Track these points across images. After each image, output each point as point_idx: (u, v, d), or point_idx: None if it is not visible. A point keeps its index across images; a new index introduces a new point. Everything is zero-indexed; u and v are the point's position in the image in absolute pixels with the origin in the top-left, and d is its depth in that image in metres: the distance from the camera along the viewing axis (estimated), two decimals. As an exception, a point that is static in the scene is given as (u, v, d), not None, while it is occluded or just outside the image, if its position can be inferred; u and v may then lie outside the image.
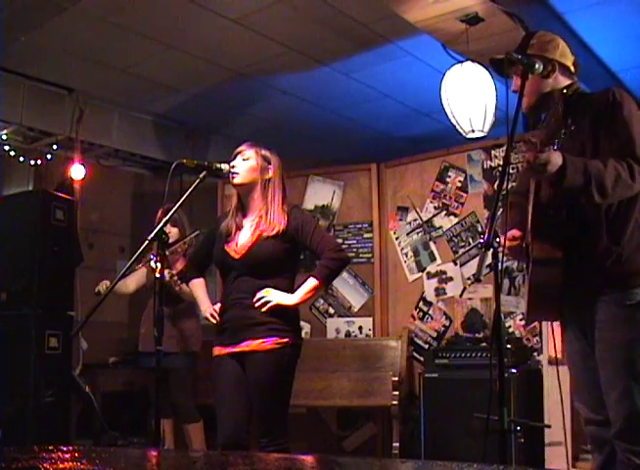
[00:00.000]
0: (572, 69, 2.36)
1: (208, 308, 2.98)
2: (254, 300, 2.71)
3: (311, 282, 2.76)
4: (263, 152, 2.87)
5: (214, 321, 2.93)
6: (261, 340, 2.69)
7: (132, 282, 4.33)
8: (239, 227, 2.85)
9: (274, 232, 2.76)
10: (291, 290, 2.79)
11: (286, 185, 2.91)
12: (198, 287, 3.12)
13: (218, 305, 2.93)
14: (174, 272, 4.02)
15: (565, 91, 2.31)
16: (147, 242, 2.57)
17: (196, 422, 4.24)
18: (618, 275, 2.15)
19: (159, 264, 3.85)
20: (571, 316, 2.31)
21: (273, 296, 2.71)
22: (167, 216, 2.67)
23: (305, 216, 2.90)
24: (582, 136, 2.21)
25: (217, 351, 2.82)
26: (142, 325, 4.34)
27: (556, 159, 2.04)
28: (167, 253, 3.98)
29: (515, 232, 2.35)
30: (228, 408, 2.75)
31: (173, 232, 4.20)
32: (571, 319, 2.31)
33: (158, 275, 2.61)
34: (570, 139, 2.19)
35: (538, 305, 2.31)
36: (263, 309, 2.70)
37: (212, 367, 2.85)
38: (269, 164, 2.87)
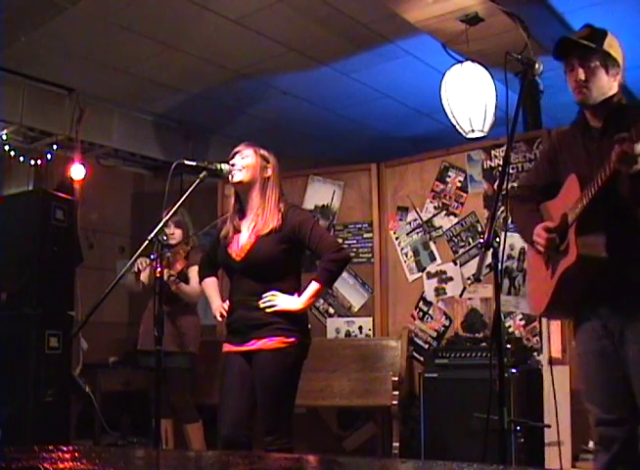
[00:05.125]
0: None
1: (218, 307, 3.00)
2: (261, 301, 2.73)
3: (313, 286, 2.77)
4: (262, 151, 2.88)
5: (221, 319, 2.95)
6: (267, 339, 2.71)
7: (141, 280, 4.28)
8: (237, 229, 2.86)
9: (269, 229, 2.76)
10: (297, 290, 2.80)
11: (282, 184, 2.92)
12: (210, 286, 3.13)
13: (227, 302, 2.94)
14: (172, 272, 4.03)
15: (614, 100, 2.31)
16: (146, 242, 2.58)
17: (195, 422, 4.24)
18: None
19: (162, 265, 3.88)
20: (597, 313, 2.29)
21: (279, 300, 2.73)
22: (167, 216, 2.67)
23: (302, 216, 2.89)
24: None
25: (226, 348, 2.86)
26: (141, 324, 4.34)
27: None
28: (169, 253, 4.01)
29: (549, 224, 2.35)
30: (230, 404, 2.77)
31: (177, 233, 4.22)
32: (596, 316, 2.29)
33: (157, 275, 2.61)
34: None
35: (561, 301, 2.33)
36: (268, 310, 2.71)
37: (222, 363, 2.88)
38: (268, 162, 2.87)
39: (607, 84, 2.29)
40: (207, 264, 3.16)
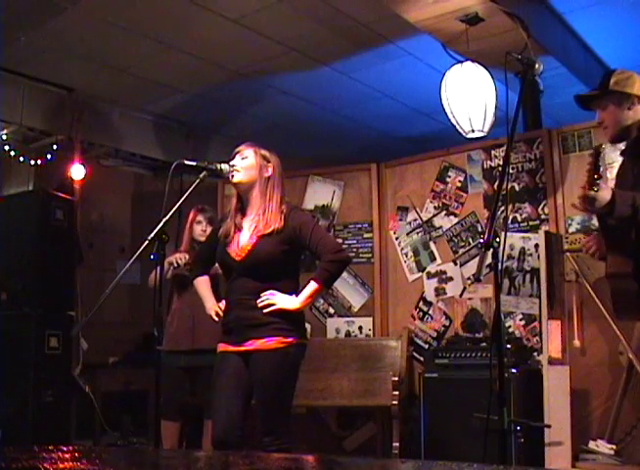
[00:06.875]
0: None
1: (213, 306, 2.98)
2: (259, 301, 2.72)
3: (312, 286, 2.77)
4: (262, 151, 2.88)
5: (217, 319, 2.94)
6: (265, 339, 2.70)
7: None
8: (238, 228, 2.86)
9: (270, 230, 2.76)
10: (295, 291, 2.80)
11: (285, 185, 2.91)
12: (202, 284, 3.10)
13: (223, 302, 2.93)
14: None
15: (632, 127, 2.53)
16: (146, 242, 2.58)
17: None
18: None
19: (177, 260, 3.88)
20: None
21: (277, 299, 2.72)
22: (167, 216, 2.67)
23: (304, 217, 2.90)
24: None
25: (222, 347, 2.83)
26: (169, 324, 4.09)
27: (604, 196, 2.27)
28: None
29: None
30: (224, 404, 2.75)
31: (209, 231, 4.19)
32: None
33: (159, 275, 2.61)
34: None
35: (622, 307, 2.58)
36: (266, 310, 2.70)
37: (216, 363, 2.85)
38: (268, 162, 2.87)
39: (620, 116, 2.53)
40: (201, 263, 3.14)
